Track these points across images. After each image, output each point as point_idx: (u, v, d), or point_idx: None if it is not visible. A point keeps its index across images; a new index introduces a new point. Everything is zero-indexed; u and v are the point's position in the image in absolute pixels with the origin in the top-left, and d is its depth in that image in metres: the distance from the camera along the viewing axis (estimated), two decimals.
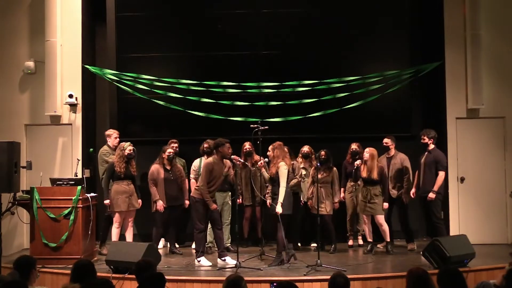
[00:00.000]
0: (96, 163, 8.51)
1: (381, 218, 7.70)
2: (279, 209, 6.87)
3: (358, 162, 7.85)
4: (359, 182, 8.10)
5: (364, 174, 7.72)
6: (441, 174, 7.66)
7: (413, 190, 7.97)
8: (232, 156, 7.31)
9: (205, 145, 8.24)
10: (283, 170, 6.97)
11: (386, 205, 7.77)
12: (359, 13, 8.98)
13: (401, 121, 9.02)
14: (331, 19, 9.00)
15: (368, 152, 7.75)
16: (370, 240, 7.86)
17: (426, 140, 7.79)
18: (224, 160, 7.22)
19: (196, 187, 7.19)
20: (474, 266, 6.57)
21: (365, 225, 7.86)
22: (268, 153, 7.20)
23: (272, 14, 8.94)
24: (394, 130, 8.52)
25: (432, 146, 7.80)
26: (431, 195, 7.57)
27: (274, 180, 7.06)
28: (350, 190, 8.30)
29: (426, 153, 7.80)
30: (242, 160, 7.78)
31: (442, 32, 8.79)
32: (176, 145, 8.18)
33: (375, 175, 7.65)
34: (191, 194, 7.27)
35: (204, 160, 8.20)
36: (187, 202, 8.06)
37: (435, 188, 7.59)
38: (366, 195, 7.71)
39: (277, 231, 6.99)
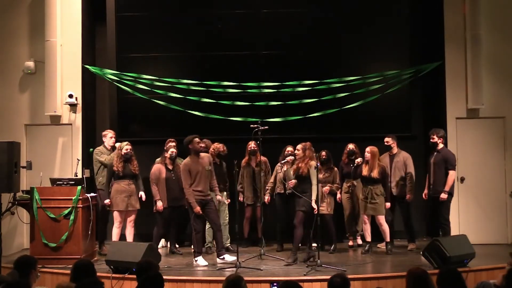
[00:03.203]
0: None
1: (381, 218, 7.69)
2: (314, 205, 6.93)
3: (358, 160, 7.83)
4: (354, 183, 8.11)
5: (364, 172, 7.69)
6: (451, 173, 7.63)
7: (425, 191, 7.95)
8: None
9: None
10: (314, 169, 7.01)
11: (388, 204, 7.75)
12: (359, 13, 8.98)
13: (401, 121, 9.02)
14: (331, 19, 9.01)
15: (368, 151, 7.73)
16: (368, 240, 7.85)
17: (436, 139, 7.76)
18: (202, 155, 7.22)
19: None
20: (474, 266, 6.57)
21: (365, 224, 7.85)
22: (297, 152, 7.17)
23: (272, 14, 8.94)
24: (394, 130, 8.52)
25: (441, 146, 7.79)
26: (443, 196, 7.54)
27: (304, 178, 7.03)
28: (347, 191, 8.28)
29: (435, 152, 7.79)
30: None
31: (442, 32, 8.78)
32: (174, 144, 8.06)
33: (375, 174, 7.63)
34: (186, 196, 7.28)
35: None
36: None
37: (446, 188, 7.57)
38: (367, 195, 7.70)
39: (299, 229, 7.00)
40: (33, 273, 4.45)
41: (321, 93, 8.63)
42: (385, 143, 8.12)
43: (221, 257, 7.16)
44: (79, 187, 7.12)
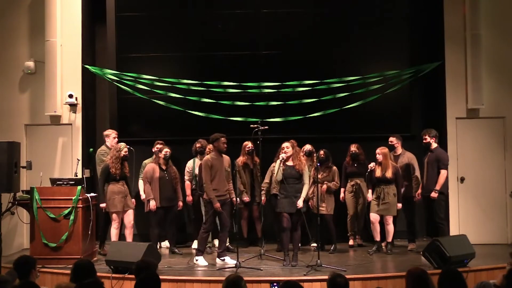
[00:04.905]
0: (96, 163, 8.50)
1: (390, 218, 7.70)
2: (300, 203, 6.86)
3: (371, 165, 7.79)
4: (358, 181, 8.09)
5: (378, 173, 7.69)
6: (443, 172, 7.65)
7: (419, 191, 7.97)
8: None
9: (198, 145, 8.22)
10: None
11: (399, 205, 7.74)
12: (359, 13, 8.98)
13: (401, 121, 9.02)
14: (331, 19, 9.01)
15: (379, 152, 7.73)
16: (377, 239, 7.83)
17: (428, 139, 7.78)
18: (224, 156, 7.22)
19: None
20: (474, 266, 6.57)
21: (373, 224, 7.79)
22: (288, 150, 7.06)
23: (272, 14, 8.94)
24: (394, 130, 8.51)
25: (434, 145, 7.79)
26: (433, 194, 7.57)
27: (299, 177, 6.97)
28: (351, 190, 8.29)
29: (429, 152, 7.79)
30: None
31: (442, 32, 8.78)
32: (162, 145, 8.05)
33: (390, 174, 7.63)
34: (203, 196, 7.26)
35: (197, 160, 8.20)
36: (180, 203, 8.04)
37: (437, 187, 7.59)
38: (379, 194, 7.69)
39: (298, 230, 6.97)
40: (33, 273, 4.46)
41: (321, 93, 8.63)
42: (389, 143, 8.12)
43: (222, 258, 7.14)
44: (79, 187, 7.12)
